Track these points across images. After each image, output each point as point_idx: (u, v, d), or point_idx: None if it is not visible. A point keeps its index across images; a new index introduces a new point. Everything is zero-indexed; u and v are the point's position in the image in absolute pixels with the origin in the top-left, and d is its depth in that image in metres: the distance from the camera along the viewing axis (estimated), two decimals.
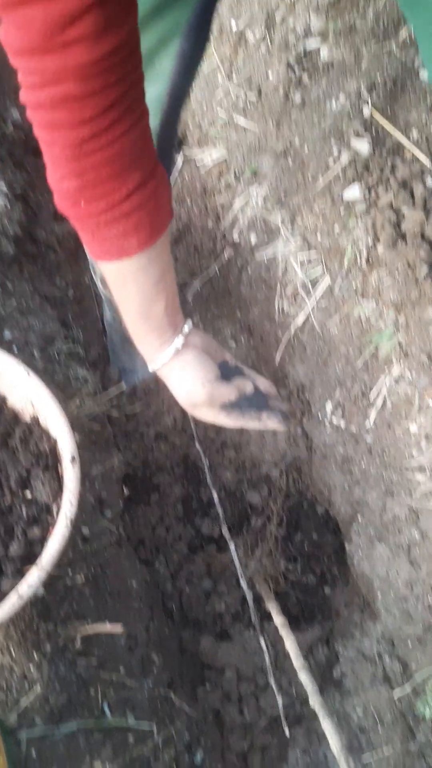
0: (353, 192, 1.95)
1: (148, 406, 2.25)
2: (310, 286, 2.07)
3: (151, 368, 1.29)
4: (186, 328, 1.28)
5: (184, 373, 1.28)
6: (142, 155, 0.99)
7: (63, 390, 1.98)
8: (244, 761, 1.81)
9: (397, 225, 1.87)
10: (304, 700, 1.92)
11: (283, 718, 1.76)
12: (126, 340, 2.22)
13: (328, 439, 2.09)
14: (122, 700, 1.57)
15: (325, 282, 2.03)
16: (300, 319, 2.14)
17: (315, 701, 1.65)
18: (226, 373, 1.36)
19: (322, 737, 1.85)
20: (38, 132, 0.93)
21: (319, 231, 2.04)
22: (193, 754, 1.72)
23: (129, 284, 1.14)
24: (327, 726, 1.59)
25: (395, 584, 1.80)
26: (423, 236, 1.84)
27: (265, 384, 1.43)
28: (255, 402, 1.38)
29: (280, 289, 2.22)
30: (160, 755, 1.51)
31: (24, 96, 0.89)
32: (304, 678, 1.67)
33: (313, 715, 1.93)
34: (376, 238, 1.90)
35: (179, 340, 1.25)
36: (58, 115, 0.87)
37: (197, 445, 2.16)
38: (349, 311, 1.99)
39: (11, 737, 1.31)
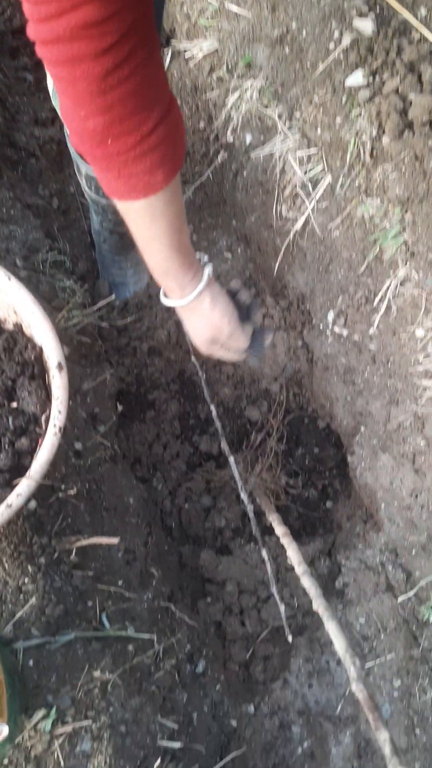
0: (356, 78, 1.79)
1: (141, 321, 2.16)
2: (310, 187, 1.94)
3: (183, 302, 1.28)
4: (206, 257, 1.30)
5: (213, 307, 1.31)
6: (162, 83, 0.95)
7: (49, 302, 1.88)
8: (246, 670, 1.80)
9: (404, 113, 1.73)
10: (306, 612, 1.91)
11: (286, 626, 1.74)
12: (115, 252, 2.11)
13: (330, 349, 2.00)
14: (121, 612, 1.54)
15: (326, 181, 1.90)
16: (299, 224, 2.03)
17: (319, 604, 1.62)
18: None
19: (324, 645, 1.85)
20: (57, 70, 0.86)
21: (319, 124, 1.90)
22: (194, 663, 1.71)
23: (158, 220, 1.10)
24: (331, 627, 1.56)
25: (399, 494, 1.76)
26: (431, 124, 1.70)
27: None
28: (258, 338, 1.48)
29: (277, 192, 2.09)
30: (161, 664, 1.49)
31: (36, 31, 0.82)
32: (307, 582, 1.64)
33: (316, 626, 1.92)
34: (380, 129, 1.76)
35: (209, 269, 1.28)
36: (78, 46, 0.82)
37: (193, 360, 2.08)
38: (351, 211, 1.87)
39: (7, 648, 1.28)
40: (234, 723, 1.67)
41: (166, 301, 1.32)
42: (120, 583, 1.61)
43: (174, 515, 2.08)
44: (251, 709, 1.73)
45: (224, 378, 2.20)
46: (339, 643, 1.52)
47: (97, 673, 1.31)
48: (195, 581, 1.95)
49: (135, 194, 1.03)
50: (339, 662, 1.80)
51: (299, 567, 1.68)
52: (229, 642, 1.80)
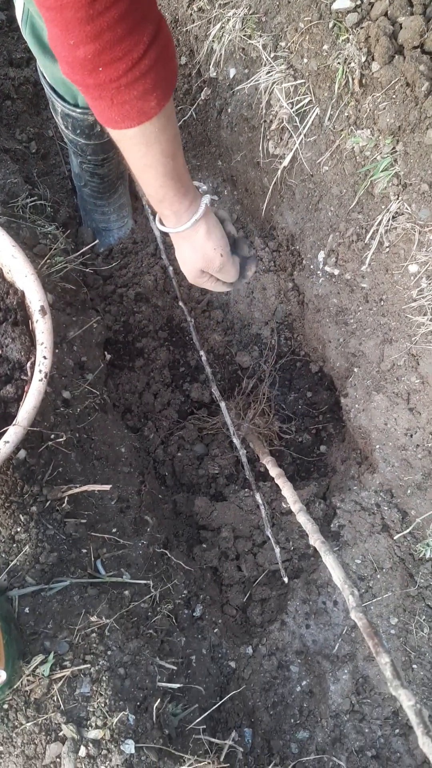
0: (343, 1, 1.71)
1: (126, 267, 2.11)
2: (297, 120, 1.88)
3: (178, 230, 1.29)
4: (204, 186, 1.30)
5: (208, 237, 1.31)
6: (150, 3, 0.93)
7: (31, 248, 1.83)
8: (244, 613, 1.81)
9: (394, 37, 1.66)
10: (302, 555, 1.92)
11: (282, 568, 1.74)
12: (97, 197, 2.05)
13: (322, 290, 1.96)
14: (116, 559, 1.54)
15: (314, 113, 1.83)
16: (287, 160, 1.96)
17: (315, 539, 1.62)
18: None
19: (320, 587, 1.85)
20: None
21: (305, 53, 1.82)
22: (191, 608, 1.71)
23: (152, 147, 1.08)
24: (329, 560, 1.56)
25: (394, 434, 1.74)
26: (423, 48, 1.64)
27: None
28: (242, 270, 1.50)
29: (264, 127, 2.02)
30: (158, 609, 1.49)
31: None
32: (303, 519, 1.64)
33: (312, 568, 1.93)
34: (369, 55, 1.69)
35: (206, 199, 1.27)
36: None
37: (181, 305, 2.04)
38: (341, 144, 1.81)
39: (2, 596, 1.27)
40: (233, 664, 1.68)
41: (161, 227, 1.32)
42: (114, 530, 1.60)
43: (167, 464, 2.06)
44: (249, 650, 1.74)
45: (213, 324, 2.16)
46: (337, 574, 1.52)
47: (93, 618, 1.30)
48: (190, 528, 1.94)
49: (129, 122, 1.01)
50: (336, 603, 1.81)
51: (295, 505, 1.67)
52: (225, 586, 1.79)
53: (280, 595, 1.86)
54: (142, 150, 1.08)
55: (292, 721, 1.66)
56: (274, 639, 1.74)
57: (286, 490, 1.71)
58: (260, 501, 1.74)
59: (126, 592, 1.45)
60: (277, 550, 1.71)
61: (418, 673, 1.71)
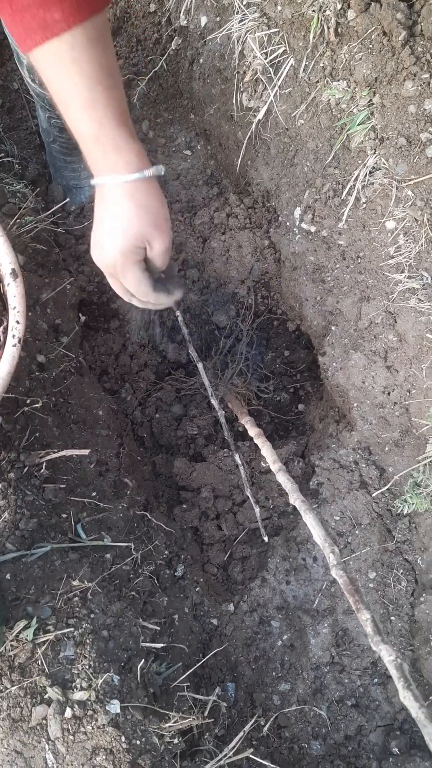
0: None
1: None
2: (271, 71, 1.82)
3: (132, 177, 1.00)
4: (162, 169, 1.06)
5: (163, 203, 1.07)
6: None
7: None
8: (225, 571, 1.83)
9: None
10: (282, 513, 1.93)
11: (261, 527, 1.76)
12: (67, 153, 1.98)
13: (298, 247, 1.94)
14: (96, 522, 1.53)
15: (289, 63, 1.78)
16: (262, 113, 1.91)
17: (295, 498, 1.63)
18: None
19: (300, 544, 1.87)
20: None
21: (279, 0, 1.75)
22: (173, 568, 1.73)
23: (66, 70, 0.90)
24: (309, 519, 1.58)
25: (371, 392, 1.75)
26: None
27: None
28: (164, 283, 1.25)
29: (237, 79, 1.95)
30: (139, 571, 1.49)
31: None
32: (282, 478, 1.65)
33: (291, 526, 1.94)
34: (345, 2, 1.63)
35: (160, 167, 1.05)
36: None
37: None
38: (316, 97, 1.76)
39: None
40: (215, 621, 1.70)
41: (98, 178, 1.02)
42: (94, 494, 1.60)
43: (145, 426, 2.04)
44: (231, 607, 1.76)
45: (189, 283, 2.13)
46: (317, 533, 1.54)
47: (75, 583, 1.30)
48: (170, 489, 1.93)
49: (33, 37, 0.86)
50: (315, 559, 1.83)
51: (274, 465, 1.68)
52: (206, 546, 1.80)
53: (260, 553, 1.87)
54: (56, 74, 0.90)
55: (274, 674, 1.69)
56: (255, 596, 1.76)
57: (266, 449, 1.71)
58: (239, 461, 1.74)
59: (107, 556, 1.45)
60: (257, 510, 1.72)
61: (396, 625, 1.75)
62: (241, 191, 2.15)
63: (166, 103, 2.26)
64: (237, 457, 1.75)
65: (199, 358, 1.75)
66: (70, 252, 2.00)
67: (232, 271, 2.08)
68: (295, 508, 1.83)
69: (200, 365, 1.73)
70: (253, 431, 1.81)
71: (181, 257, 2.10)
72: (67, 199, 2.02)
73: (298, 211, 1.93)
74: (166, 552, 1.74)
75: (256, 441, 1.80)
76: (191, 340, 1.73)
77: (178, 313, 1.72)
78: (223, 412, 1.77)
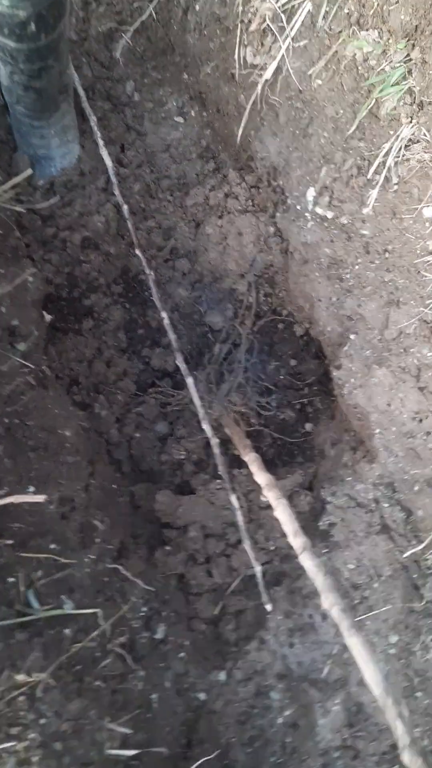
0: None
1: (71, 205, 1.75)
2: (283, 18, 1.50)
3: None
4: None
5: None
6: None
7: None
8: (215, 628, 1.56)
9: None
10: (285, 556, 1.67)
11: (259, 577, 1.46)
12: (34, 116, 1.66)
13: (311, 237, 1.65)
14: (55, 584, 1.25)
15: (305, 9, 1.46)
16: (270, 72, 1.60)
17: (297, 543, 1.33)
18: None
19: (307, 597, 1.60)
20: None
21: None
22: (152, 630, 1.44)
23: None
24: (309, 565, 1.28)
25: (399, 417, 1.46)
26: None
27: None
28: None
29: (241, 30, 1.64)
30: (108, 647, 1.19)
31: None
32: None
33: (296, 572, 1.66)
34: None
35: None
36: None
37: (139, 254, 1.68)
38: (339, 51, 1.45)
39: None
40: (202, 696, 1.43)
41: None
42: (53, 545, 1.31)
43: (123, 447, 1.81)
44: (222, 676, 1.49)
45: (179, 276, 1.85)
46: (320, 582, 1.24)
47: (20, 677, 1.00)
48: (151, 526, 1.69)
49: None
50: (325, 617, 1.55)
51: (271, 492, 1.38)
52: (193, 597, 1.60)
53: (258, 606, 1.61)
54: None
55: (273, 759, 1.45)
56: (252, 661, 1.53)
57: (263, 478, 1.41)
58: (235, 504, 1.44)
59: (67, 631, 1.16)
60: (258, 569, 1.43)
61: (421, 702, 1.47)
62: (242, 167, 1.86)
63: (154, 60, 1.94)
64: (233, 500, 1.44)
65: (189, 369, 1.44)
66: (34, 235, 1.69)
67: (230, 262, 1.82)
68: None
69: (190, 380, 1.42)
70: (249, 457, 1.50)
71: (169, 244, 1.79)
72: (30, 170, 1.69)
73: (311, 193, 1.64)
74: (144, 609, 1.46)
75: (251, 468, 1.49)
76: (179, 346, 1.42)
77: (164, 314, 1.41)
78: (217, 440, 1.46)
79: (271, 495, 1.42)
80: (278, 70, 1.59)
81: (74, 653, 1.19)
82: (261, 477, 1.47)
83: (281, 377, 1.95)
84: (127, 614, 1.41)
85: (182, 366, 1.51)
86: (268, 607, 1.43)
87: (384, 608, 1.54)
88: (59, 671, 1.14)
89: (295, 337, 1.95)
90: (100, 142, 1.82)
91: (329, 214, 1.61)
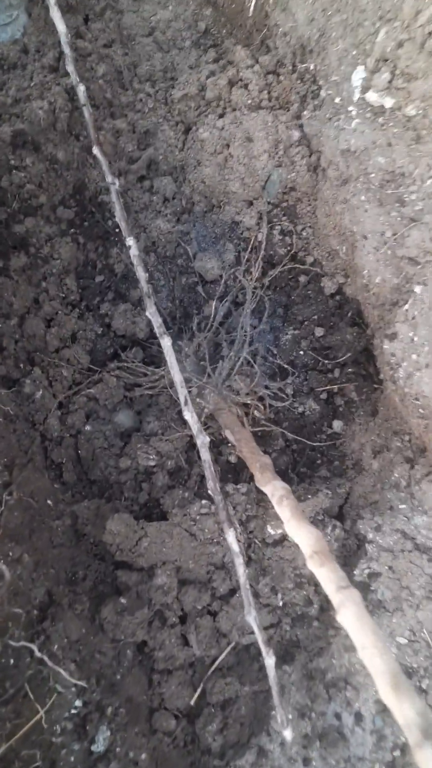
0: None
1: (3, 87, 1.39)
2: None
3: None
4: None
5: None
6: None
7: None
8: (191, 726, 1.36)
9: None
10: (299, 617, 1.24)
11: (262, 644, 1.01)
12: None
13: (356, 141, 1.32)
14: None
15: None
16: None
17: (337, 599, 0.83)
18: None
19: (331, 684, 1.21)
20: None
21: None
22: (87, 738, 1.02)
23: None
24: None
25: None
26: None
27: None
28: None
29: None
30: None
31: None
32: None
33: (316, 644, 1.46)
34: None
35: None
36: None
37: (97, 154, 1.27)
38: None
39: None
40: None
41: None
42: None
43: (65, 446, 1.42)
44: None
45: (158, 202, 1.51)
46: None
47: None
48: (99, 567, 1.28)
49: None
50: (360, 718, 1.08)
51: (312, 549, 0.85)
52: (159, 674, 1.20)
53: (257, 693, 1.19)
54: None
55: None
56: None
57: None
58: (234, 544, 0.91)
59: None
60: (251, 612, 0.92)
61: None
62: (256, 47, 1.35)
63: None
64: (230, 536, 0.94)
65: (167, 328, 0.93)
66: None
67: (234, 182, 1.50)
68: (323, 608, 1.20)
69: (166, 341, 0.93)
70: (304, 536, 0.95)
71: (146, 155, 1.45)
72: None
73: (360, 73, 1.30)
74: (78, 704, 0.98)
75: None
76: (153, 295, 0.92)
77: (130, 240, 0.93)
78: (207, 439, 0.96)
79: (306, 542, 0.85)
80: None
81: None
82: (304, 535, 0.89)
83: (301, 352, 1.52)
84: (46, 718, 0.86)
85: (155, 321, 1.01)
86: (283, 729, 0.89)
87: None
88: None
89: (323, 296, 1.53)
90: (54, 7, 1.33)
91: (388, 102, 1.18)
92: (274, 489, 0.99)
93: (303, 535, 1.03)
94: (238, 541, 1.16)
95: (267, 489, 1.02)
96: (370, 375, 1.53)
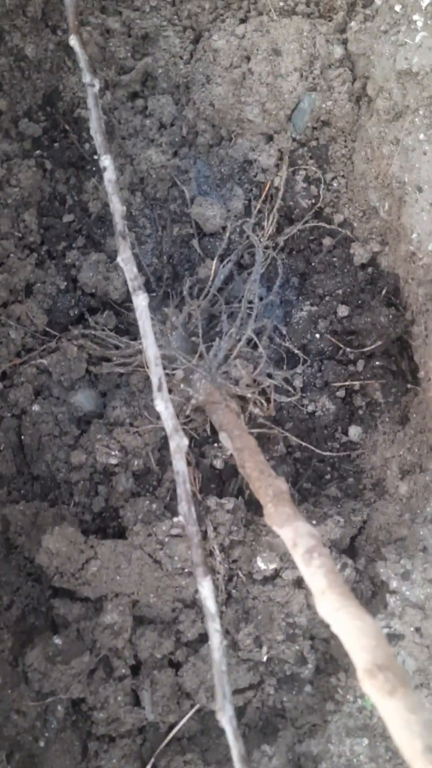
0: None
1: None
2: None
3: None
4: None
5: None
6: None
7: None
8: None
9: None
10: (286, 678, 1.07)
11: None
12: None
13: (419, 59, 1.08)
14: None
15: None
16: None
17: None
18: None
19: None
20: None
21: None
22: None
23: None
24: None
25: None
26: None
27: None
28: None
29: None
30: None
31: None
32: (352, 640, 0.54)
33: (307, 717, 1.05)
34: None
35: None
36: None
37: (74, 45, 1.01)
38: None
39: None
40: None
41: None
42: None
43: (4, 427, 1.25)
44: None
45: (152, 127, 1.33)
46: None
47: None
48: (29, 591, 1.11)
49: None
50: None
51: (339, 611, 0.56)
52: (97, 744, 1.02)
53: None
54: None
55: None
56: None
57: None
58: (211, 607, 0.74)
59: None
60: (219, 658, 0.72)
61: None
62: None
63: None
64: (205, 590, 0.82)
65: (149, 291, 0.86)
66: None
67: (252, 107, 1.21)
68: (320, 670, 1.04)
69: (141, 299, 0.71)
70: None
71: (142, 66, 1.22)
72: None
73: None
74: None
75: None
76: (124, 230, 0.68)
77: (106, 160, 1.00)
78: (186, 440, 0.74)
79: (360, 643, 0.54)
80: None
81: None
82: (354, 628, 0.55)
83: (317, 336, 1.30)
84: None
85: (128, 270, 0.83)
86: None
87: None
88: None
89: (352, 266, 1.32)
90: None
91: None
92: (297, 535, 0.65)
93: (353, 629, 0.55)
94: (216, 595, 0.87)
95: (284, 532, 0.68)
96: (402, 372, 1.34)
